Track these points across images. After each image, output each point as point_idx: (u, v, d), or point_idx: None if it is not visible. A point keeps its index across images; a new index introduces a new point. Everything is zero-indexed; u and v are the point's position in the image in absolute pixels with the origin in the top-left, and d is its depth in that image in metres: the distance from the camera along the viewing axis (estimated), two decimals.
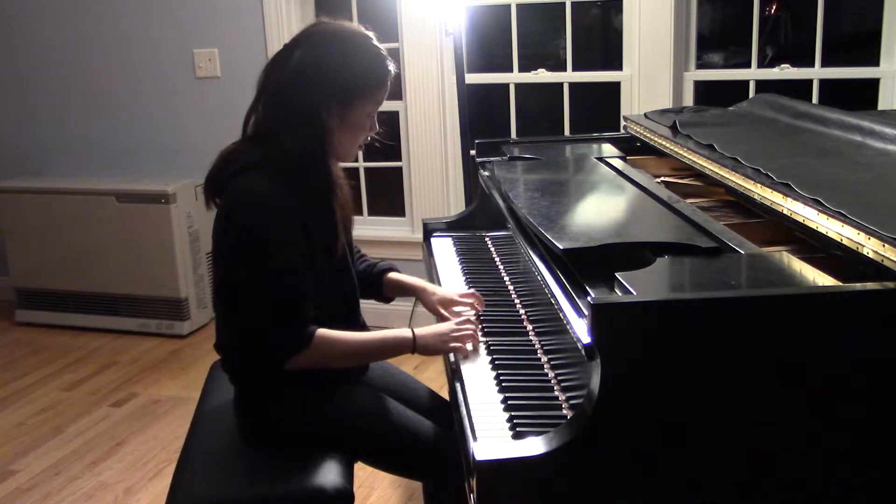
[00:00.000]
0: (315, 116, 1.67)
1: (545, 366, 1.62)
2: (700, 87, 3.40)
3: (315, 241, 1.69)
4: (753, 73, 3.31)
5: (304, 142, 1.67)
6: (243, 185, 1.67)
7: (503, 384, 1.56)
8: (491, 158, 2.45)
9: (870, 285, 1.23)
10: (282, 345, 1.64)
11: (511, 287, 2.03)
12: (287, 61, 1.69)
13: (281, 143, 1.67)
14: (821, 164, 1.73)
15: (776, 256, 1.43)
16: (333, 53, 1.69)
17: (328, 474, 1.66)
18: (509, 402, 1.49)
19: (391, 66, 1.74)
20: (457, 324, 1.77)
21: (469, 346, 1.72)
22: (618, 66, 3.50)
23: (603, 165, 2.19)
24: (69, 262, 4.08)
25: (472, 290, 1.96)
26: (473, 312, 1.91)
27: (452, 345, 1.72)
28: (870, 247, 1.30)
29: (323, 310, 1.70)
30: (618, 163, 2.22)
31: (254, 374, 1.76)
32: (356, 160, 3.84)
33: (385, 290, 2.03)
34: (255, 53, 3.86)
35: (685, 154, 2.10)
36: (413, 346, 1.73)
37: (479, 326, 1.80)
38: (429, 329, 1.76)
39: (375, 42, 1.74)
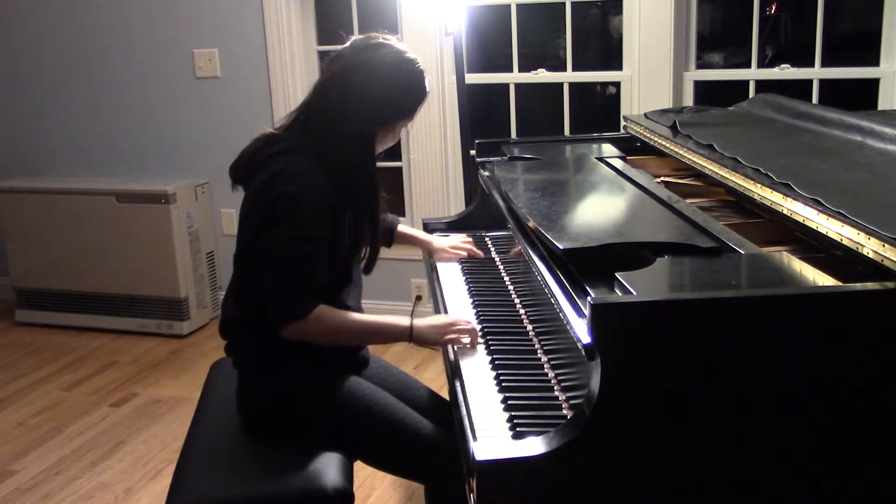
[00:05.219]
0: (368, 143, 1.82)
1: (545, 366, 1.62)
2: (700, 87, 3.40)
3: (341, 236, 1.76)
4: (753, 73, 3.31)
5: (356, 161, 1.81)
6: (286, 162, 1.74)
7: (503, 384, 1.56)
8: (491, 158, 2.45)
9: (870, 285, 1.23)
10: (280, 310, 1.69)
11: (511, 287, 2.03)
12: (346, 84, 1.78)
13: (333, 158, 1.76)
14: (821, 164, 1.73)
15: (776, 256, 1.43)
16: (390, 86, 1.80)
17: (328, 474, 1.66)
18: (509, 402, 1.49)
19: (428, 84, 1.87)
20: (454, 319, 1.79)
21: (466, 340, 1.74)
22: (618, 66, 3.50)
23: (603, 165, 2.19)
24: (69, 262, 4.08)
25: (469, 240, 2.31)
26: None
27: (448, 337, 1.75)
28: (870, 247, 1.30)
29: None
30: (618, 163, 2.22)
31: (258, 349, 1.80)
32: None
33: (395, 241, 2.23)
34: (255, 53, 3.86)
35: (685, 154, 2.09)
36: (409, 335, 1.77)
37: (480, 328, 1.82)
38: (426, 320, 1.80)
39: (419, 65, 1.85)
